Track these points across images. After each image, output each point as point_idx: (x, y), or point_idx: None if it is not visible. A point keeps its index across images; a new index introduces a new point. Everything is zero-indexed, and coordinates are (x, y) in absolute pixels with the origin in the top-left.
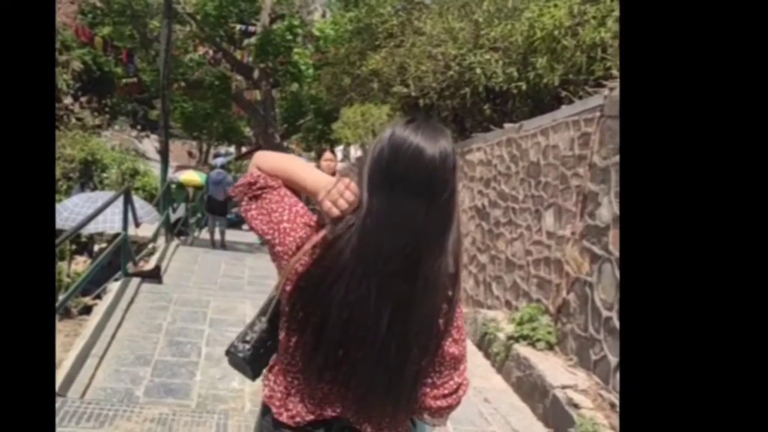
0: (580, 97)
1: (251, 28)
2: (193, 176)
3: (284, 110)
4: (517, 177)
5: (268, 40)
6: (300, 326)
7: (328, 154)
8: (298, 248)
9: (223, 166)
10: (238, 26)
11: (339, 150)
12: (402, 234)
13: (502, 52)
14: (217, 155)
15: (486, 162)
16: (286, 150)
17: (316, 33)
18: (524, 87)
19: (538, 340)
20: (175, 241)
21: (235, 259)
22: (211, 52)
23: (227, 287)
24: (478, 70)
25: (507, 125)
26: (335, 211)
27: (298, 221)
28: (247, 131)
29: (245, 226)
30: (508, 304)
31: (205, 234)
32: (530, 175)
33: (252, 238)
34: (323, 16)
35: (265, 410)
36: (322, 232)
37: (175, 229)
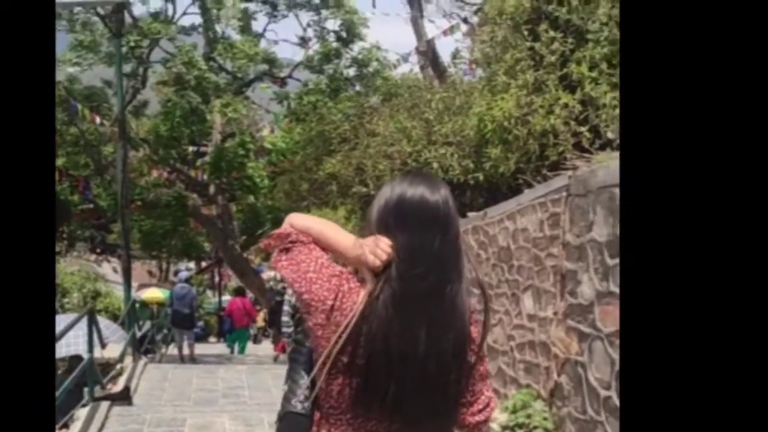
0: (538, 182)
1: (203, 148)
2: (155, 293)
3: (242, 222)
4: (488, 263)
5: (221, 157)
6: (346, 369)
7: None
8: (326, 298)
9: (186, 280)
10: (191, 147)
11: None
12: (422, 261)
13: (455, 146)
14: (177, 272)
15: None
16: (246, 261)
17: (268, 146)
18: (480, 177)
19: (535, 427)
20: (143, 360)
21: (207, 372)
22: (165, 173)
23: (202, 402)
24: (435, 165)
25: (471, 214)
26: (377, 262)
27: (323, 272)
28: (207, 246)
29: (213, 338)
30: (495, 392)
31: (172, 350)
32: (502, 260)
33: (221, 349)
34: (272, 131)
35: None
36: (357, 288)
37: (142, 347)
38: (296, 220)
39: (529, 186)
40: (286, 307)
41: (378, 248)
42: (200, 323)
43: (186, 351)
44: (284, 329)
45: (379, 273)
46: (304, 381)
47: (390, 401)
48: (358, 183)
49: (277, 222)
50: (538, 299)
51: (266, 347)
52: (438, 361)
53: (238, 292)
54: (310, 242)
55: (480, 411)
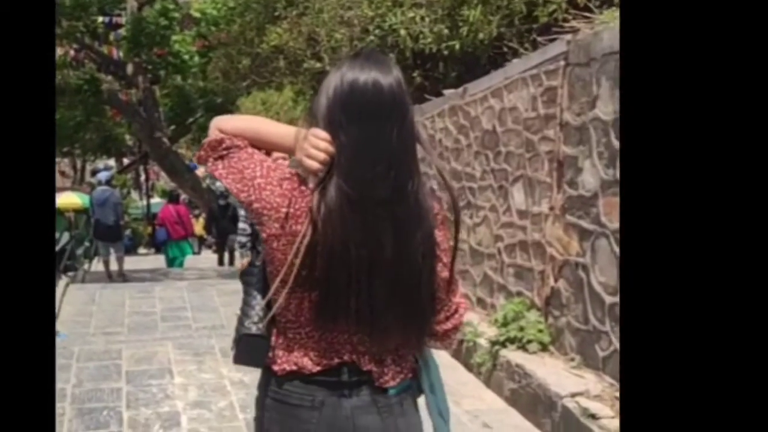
0: (527, 50)
1: (116, 19)
2: (71, 198)
3: (169, 109)
4: (470, 150)
5: (140, 29)
6: (304, 282)
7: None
8: (279, 205)
9: (108, 182)
10: (101, 17)
11: None
12: (380, 159)
13: (426, 7)
14: (95, 171)
15: (427, 138)
16: (176, 155)
17: (196, 14)
18: (457, 46)
19: (529, 341)
20: (64, 279)
21: (141, 291)
22: (72, 51)
23: (138, 328)
24: (402, 32)
25: (447, 92)
26: (316, 165)
27: (272, 175)
28: (128, 139)
29: (143, 249)
30: (481, 302)
31: (97, 266)
32: (486, 147)
33: (154, 262)
34: None
35: (266, 379)
36: (308, 191)
37: (60, 265)
38: (224, 124)
39: (516, 55)
40: (241, 212)
41: (313, 148)
42: (128, 232)
43: (114, 267)
44: (240, 238)
45: (325, 173)
46: (257, 300)
47: (354, 312)
48: (309, 57)
49: (211, 108)
50: (531, 192)
51: (208, 258)
52: (407, 265)
53: (171, 198)
54: (248, 145)
55: (447, 318)
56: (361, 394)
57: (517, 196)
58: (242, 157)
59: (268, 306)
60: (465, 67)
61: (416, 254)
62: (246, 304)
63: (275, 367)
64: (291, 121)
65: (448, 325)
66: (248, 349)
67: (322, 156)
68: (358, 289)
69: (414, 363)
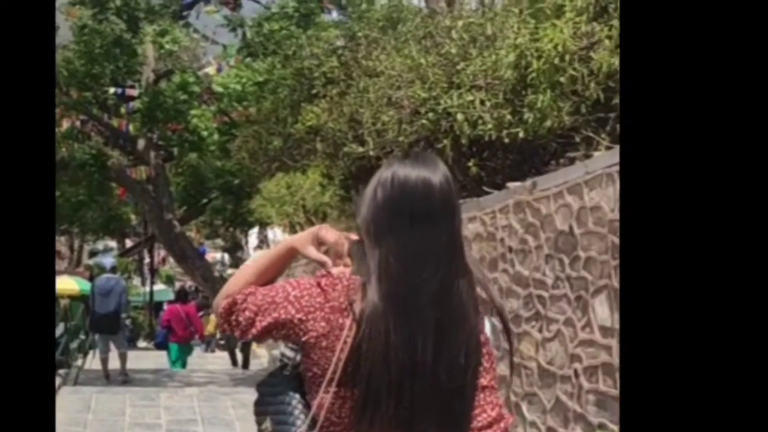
0: (603, 140)
1: (129, 91)
2: (67, 283)
3: (182, 189)
4: (540, 253)
5: (156, 103)
6: (350, 380)
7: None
8: (321, 304)
9: (113, 269)
10: (113, 89)
11: (253, 232)
12: (428, 263)
13: (486, 90)
14: (93, 253)
15: (487, 236)
16: (187, 240)
17: (218, 89)
18: (520, 133)
19: None
20: (56, 379)
21: (144, 398)
22: (79, 123)
23: None
24: (459, 116)
25: (511, 185)
26: (325, 258)
27: (302, 283)
28: (134, 219)
29: (143, 342)
30: None
31: (92, 362)
32: (560, 250)
33: (159, 360)
34: (218, 70)
35: None
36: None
37: None
38: (227, 289)
39: (589, 144)
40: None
41: (320, 237)
42: (127, 321)
43: (114, 364)
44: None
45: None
46: (296, 401)
47: (393, 416)
48: (351, 140)
49: (228, 189)
50: (617, 306)
51: (220, 359)
52: (449, 369)
53: (179, 296)
54: (258, 288)
55: (481, 428)
56: None
57: (600, 310)
58: (262, 293)
59: (307, 408)
60: (522, 157)
61: (457, 359)
62: (283, 406)
63: None
64: (318, 208)
65: None
66: None
67: (331, 238)
68: (399, 393)
69: None
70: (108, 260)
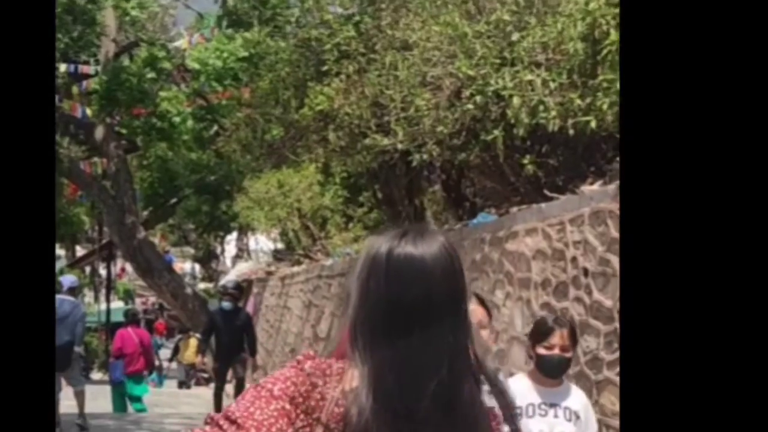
0: None
1: (83, 68)
2: None
3: (147, 186)
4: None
5: (117, 83)
6: None
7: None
8: (313, 386)
9: (71, 289)
10: (63, 66)
11: (231, 238)
12: (431, 375)
13: (547, 69)
14: None
15: (553, 254)
16: (153, 248)
17: (194, 65)
18: (593, 123)
19: None
20: None
21: None
22: None
23: None
24: (515, 100)
25: (586, 188)
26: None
27: (286, 372)
28: (87, 222)
29: (97, 373)
30: None
31: None
32: None
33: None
34: (190, 42)
35: None
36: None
37: None
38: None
39: None
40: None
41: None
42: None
43: (67, 407)
44: None
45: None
46: None
47: None
48: (374, 129)
49: (204, 188)
50: None
51: (197, 399)
52: None
53: (128, 318)
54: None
55: None
56: None
57: None
58: (244, 401)
59: None
60: (589, 153)
61: None
62: None
63: None
64: (316, 212)
65: None
66: None
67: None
68: None
69: None
70: (68, 279)
